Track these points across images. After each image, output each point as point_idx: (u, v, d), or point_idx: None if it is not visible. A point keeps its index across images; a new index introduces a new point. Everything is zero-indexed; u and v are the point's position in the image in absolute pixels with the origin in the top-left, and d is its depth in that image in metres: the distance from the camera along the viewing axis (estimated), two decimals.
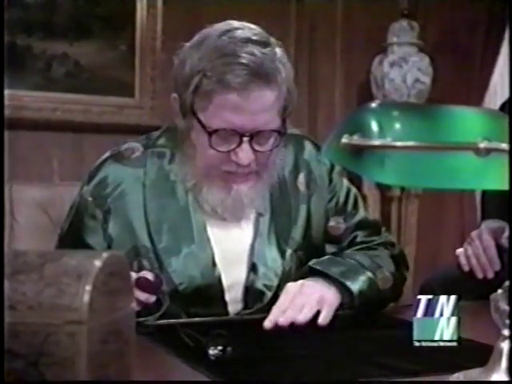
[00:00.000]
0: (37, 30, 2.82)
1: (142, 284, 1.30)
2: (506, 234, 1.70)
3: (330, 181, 1.55)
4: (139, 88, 3.00)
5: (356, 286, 1.41)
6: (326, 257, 1.49)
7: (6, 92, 2.67)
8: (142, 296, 1.29)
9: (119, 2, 2.95)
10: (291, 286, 1.37)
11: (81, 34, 2.88)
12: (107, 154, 1.49)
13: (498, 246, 1.71)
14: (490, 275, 1.68)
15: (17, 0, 2.78)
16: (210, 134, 1.34)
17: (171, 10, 3.00)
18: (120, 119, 2.96)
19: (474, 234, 1.74)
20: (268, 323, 1.30)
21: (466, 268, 1.71)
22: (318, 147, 1.55)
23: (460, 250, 1.74)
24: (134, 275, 1.29)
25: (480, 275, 1.68)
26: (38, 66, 2.83)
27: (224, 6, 2.92)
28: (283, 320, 1.30)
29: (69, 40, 2.87)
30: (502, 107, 2.00)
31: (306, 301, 1.33)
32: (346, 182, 1.58)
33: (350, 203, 1.56)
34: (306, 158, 1.54)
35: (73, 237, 1.46)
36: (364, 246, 1.54)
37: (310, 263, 1.45)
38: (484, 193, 1.92)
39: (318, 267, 1.42)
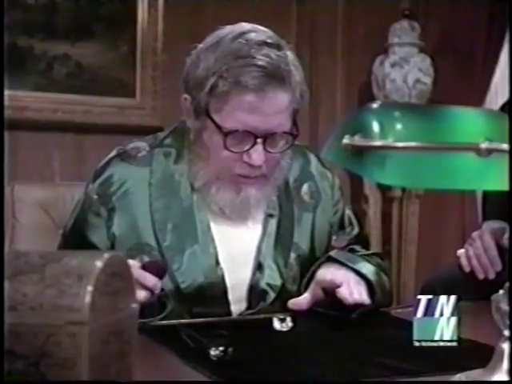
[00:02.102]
0: (38, 31, 2.82)
1: (149, 266, 1.30)
2: (507, 234, 1.70)
3: (333, 195, 1.59)
4: (140, 88, 3.00)
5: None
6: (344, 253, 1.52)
7: (8, 93, 2.67)
8: (150, 281, 1.29)
9: (120, 2, 2.95)
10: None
11: (82, 35, 2.88)
12: (113, 153, 1.50)
13: (499, 247, 1.71)
14: (491, 276, 1.68)
15: (18, 1, 2.78)
16: (226, 134, 1.35)
17: (172, 10, 3.01)
18: (121, 120, 2.96)
19: (475, 234, 1.74)
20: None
21: (467, 269, 1.71)
22: (321, 161, 1.59)
23: (461, 251, 1.74)
24: (137, 264, 1.30)
25: (481, 276, 1.68)
26: (39, 67, 2.83)
27: (225, 6, 2.93)
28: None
29: (70, 41, 2.87)
30: (503, 108, 2.00)
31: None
32: (344, 198, 1.63)
33: (348, 218, 1.62)
34: (311, 171, 1.57)
35: (76, 234, 1.46)
36: (361, 253, 1.57)
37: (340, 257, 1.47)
38: (485, 193, 1.92)
39: (351, 265, 1.45)
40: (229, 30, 1.39)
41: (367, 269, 1.45)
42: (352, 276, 1.42)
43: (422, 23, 3.34)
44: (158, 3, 2.99)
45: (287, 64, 1.36)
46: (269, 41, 1.36)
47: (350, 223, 1.62)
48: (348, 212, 1.62)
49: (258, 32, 1.38)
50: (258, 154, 1.36)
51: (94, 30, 2.91)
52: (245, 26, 1.40)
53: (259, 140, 1.35)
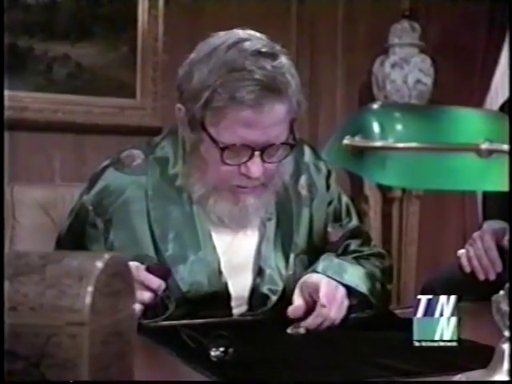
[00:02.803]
0: (38, 32, 2.81)
1: (154, 269, 1.30)
2: (508, 235, 1.70)
3: (328, 186, 1.57)
4: (140, 89, 3.00)
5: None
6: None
7: (8, 93, 2.67)
8: (155, 283, 1.28)
9: (121, 3, 2.95)
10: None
11: (82, 36, 2.88)
12: (107, 162, 1.47)
13: (500, 248, 1.71)
14: (492, 277, 1.68)
15: (18, 1, 2.78)
16: (223, 149, 1.33)
17: (172, 11, 3.00)
18: (121, 120, 2.96)
19: (475, 235, 1.74)
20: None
21: (468, 269, 1.71)
22: (315, 152, 1.57)
23: (462, 251, 1.73)
24: (141, 266, 1.30)
25: (482, 277, 1.68)
26: (39, 68, 2.83)
27: (225, 7, 2.93)
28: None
29: (70, 41, 2.87)
30: (502, 107, 2.00)
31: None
32: (339, 189, 1.61)
33: (344, 210, 1.59)
34: (306, 162, 1.55)
35: (72, 242, 1.45)
36: (357, 254, 1.55)
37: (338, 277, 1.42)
38: (485, 193, 1.92)
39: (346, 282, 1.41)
40: (222, 38, 1.35)
41: (353, 279, 1.42)
42: (331, 288, 1.36)
43: (423, 24, 3.34)
44: (158, 3, 2.98)
45: (283, 74, 1.32)
46: (263, 50, 1.32)
47: (348, 215, 1.59)
48: (345, 203, 1.59)
49: (252, 40, 1.34)
50: (256, 166, 1.34)
51: (94, 30, 2.91)
52: (238, 33, 1.37)
53: (257, 152, 1.33)
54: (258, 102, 1.30)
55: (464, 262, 1.71)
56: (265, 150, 1.34)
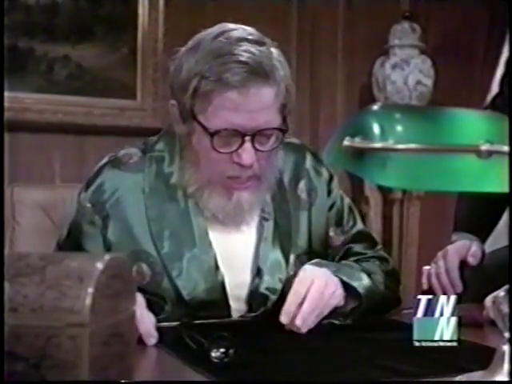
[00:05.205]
0: (39, 33, 2.81)
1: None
2: (472, 250, 1.69)
3: (329, 191, 1.57)
4: (141, 90, 3.00)
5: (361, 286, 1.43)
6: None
7: (8, 94, 2.67)
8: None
9: (121, 4, 2.95)
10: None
11: (83, 37, 2.88)
12: (105, 160, 1.48)
13: (465, 265, 1.69)
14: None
15: (19, 2, 2.78)
16: (212, 135, 1.33)
17: (173, 12, 3.01)
18: (122, 121, 2.96)
19: (439, 253, 1.72)
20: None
21: (425, 286, 1.68)
22: (317, 157, 1.57)
23: (425, 268, 1.72)
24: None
25: (439, 293, 1.65)
26: (39, 69, 2.83)
27: (225, 8, 2.93)
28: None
29: (71, 42, 2.87)
30: (493, 102, 1.95)
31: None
32: (342, 193, 1.60)
33: (347, 215, 1.59)
34: (306, 167, 1.55)
35: (72, 244, 1.44)
36: (358, 257, 1.55)
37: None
38: (458, 203, 1.88)
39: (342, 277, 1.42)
40: (209, 30, 1.38)
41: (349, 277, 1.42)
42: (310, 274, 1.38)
43: (423, 25, 3.34)
44: (158, 4, 2.98)
45: (270, 59, 1.33)
46: (250, 37, 1.34)
47: (350, 219, 1.58)
48: (348, 207, 1.59)
49: (238, 30, 1.36)
50: (247, 153, 1.34)
51: (94, 31, 2.91)
52: (226, 25, 1.39)
53: (247, 138, 1.33)
54: (244, 85, 1.30)
55: (423, 278, 1.70)
56: (255, 136, 1.34)
